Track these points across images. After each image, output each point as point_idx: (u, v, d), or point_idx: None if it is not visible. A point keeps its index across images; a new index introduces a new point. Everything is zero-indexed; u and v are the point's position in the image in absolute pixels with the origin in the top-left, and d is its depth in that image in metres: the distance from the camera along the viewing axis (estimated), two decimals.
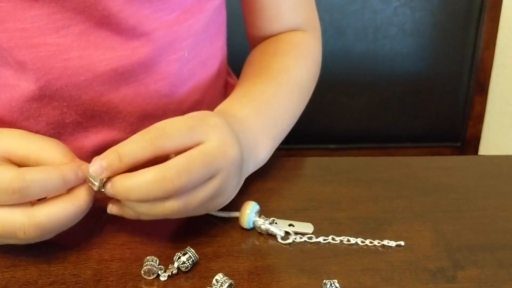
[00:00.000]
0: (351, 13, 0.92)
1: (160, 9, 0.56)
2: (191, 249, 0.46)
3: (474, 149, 1.02)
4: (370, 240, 0.49)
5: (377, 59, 0.95)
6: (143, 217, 0.46)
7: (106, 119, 0.59)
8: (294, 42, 0.67)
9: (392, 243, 0.49)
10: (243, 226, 0.50)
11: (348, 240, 0.49)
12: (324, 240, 0.49)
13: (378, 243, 0.49)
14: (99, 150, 0.60)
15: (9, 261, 0.46)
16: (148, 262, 0.45)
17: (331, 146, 1.01)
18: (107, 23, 0.53)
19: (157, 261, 0.45)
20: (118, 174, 0.44)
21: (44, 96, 0.55)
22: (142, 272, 0.45)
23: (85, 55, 0.54)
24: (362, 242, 0.49)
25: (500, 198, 0.56)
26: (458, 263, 0.47)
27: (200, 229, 0.50)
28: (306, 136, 1.00)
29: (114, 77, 0.56)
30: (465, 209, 0.54)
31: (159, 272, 0.45)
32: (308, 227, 0.51)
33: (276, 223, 0.51)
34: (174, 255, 0.46)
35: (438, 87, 0.98)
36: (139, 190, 0.43)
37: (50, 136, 0.57)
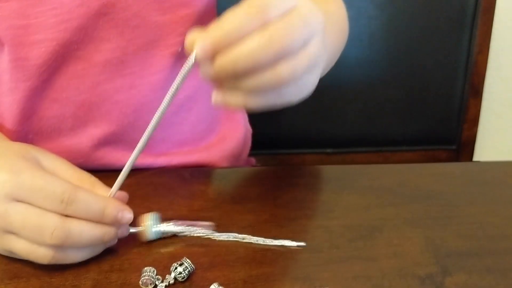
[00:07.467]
0: None
1: (153, 1, 0.57)
2: (187, 260, 0.47)
3: (470, 152, 1.03)
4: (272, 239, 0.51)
5: (372, 64, 0.96)
6: (250, 100, 0.45)
7: (103, 110, 0.60)
8: None
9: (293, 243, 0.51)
10: (147, 239, 0.51)
11: (264, 241, 0.51)
12: (227, 237, 0.51)
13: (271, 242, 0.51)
14: (98, 145, 0.62)
15: (12, 273, 0.47)
16: (146, 273, 0.46)
17: (328, 150, 1.02)
18: (105, 13, 0.56)
19: (155, 271, 0.46)
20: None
21: (44, 90, 0.58)
22: (140, 282, 0.46)
23: (82, 46, 0.57)
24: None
25: (488, 204, 0.57)
26: (446, 269, 0.48)
27: (195, 239, 0.51)
28: (304, 141, 1.01)
29: (109, 68, 0.58)
30: (454, 216, 0.55)
31: (157, 283, 0.46)
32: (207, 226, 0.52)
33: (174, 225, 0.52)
34: (171, 265, 0.47)
35: (433, 91, 0.99)
36: (246, 58, 0.41)
37: (50, 132, 0.60)
